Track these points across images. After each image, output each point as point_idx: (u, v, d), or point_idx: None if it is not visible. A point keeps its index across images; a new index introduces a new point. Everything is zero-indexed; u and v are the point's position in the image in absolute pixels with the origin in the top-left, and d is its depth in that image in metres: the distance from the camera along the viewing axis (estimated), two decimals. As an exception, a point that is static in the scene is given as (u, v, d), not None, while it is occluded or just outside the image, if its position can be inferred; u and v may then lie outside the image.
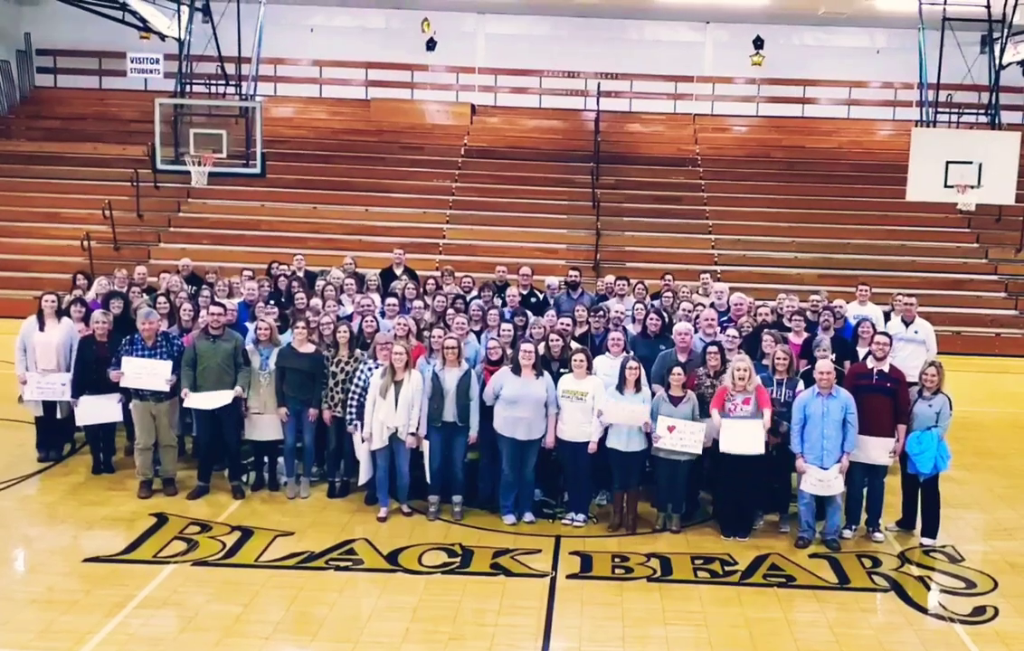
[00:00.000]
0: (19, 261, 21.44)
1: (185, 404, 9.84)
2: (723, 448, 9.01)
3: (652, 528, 9.43)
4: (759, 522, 9.54)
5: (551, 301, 12.57)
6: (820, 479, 8.94)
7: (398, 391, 9.24)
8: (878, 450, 9.19)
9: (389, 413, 9.25)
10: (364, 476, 9.58)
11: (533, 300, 12.60)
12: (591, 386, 9.27)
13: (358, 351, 10.02)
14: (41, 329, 10.59)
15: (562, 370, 9.57)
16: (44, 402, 10.71)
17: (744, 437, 8.96)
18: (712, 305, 11.55)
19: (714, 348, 9.59)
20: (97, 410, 10.21)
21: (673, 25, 27.15)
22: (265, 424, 9.97)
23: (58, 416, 10.74)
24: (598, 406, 9.17)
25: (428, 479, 9.45)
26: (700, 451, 9.12)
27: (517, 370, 9.25)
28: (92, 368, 10.09)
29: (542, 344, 9.83)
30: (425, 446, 9.37)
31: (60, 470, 10.76)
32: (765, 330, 10.22)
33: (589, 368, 9.40)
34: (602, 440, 9.29)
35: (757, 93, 27.88)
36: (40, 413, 10.81)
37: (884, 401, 9.19)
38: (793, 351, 9.66)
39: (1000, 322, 20.86)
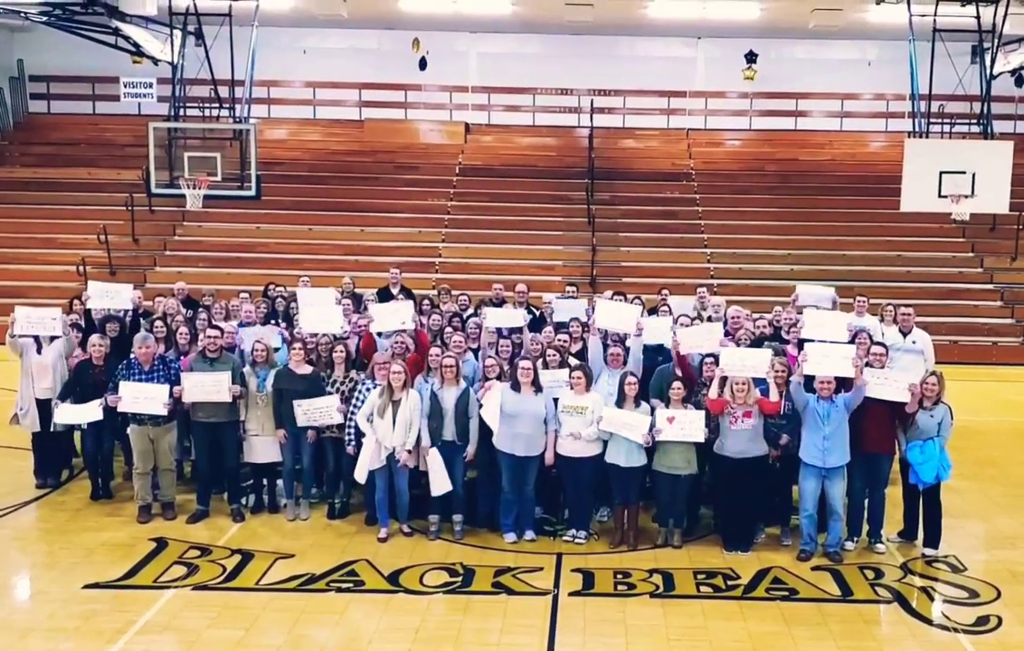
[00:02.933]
0: (15, 287, 21.37)
1: (185, 399, 9.70)
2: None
3: (654, 543, 9.40)
4: (760, 535, 9.52)
5: (548, 317, 12.53)
6: (827, 355, 8.99)
7: (396, 411, 9.23)
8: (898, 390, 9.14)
9: (387, 433, 9.22)
10: (362, 474, 9.45)
11: (530, 316, 12.57)
12: (590, 401, 9.26)
13: (354, 371, 10.01)
14: (39, 351, 10.66)
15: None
16: (40, 418, 10.66)
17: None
18: (709, 318, 11.56)
19: (711, 360, 9.57)
20: (76, 413, 10.09)
21: (665, 41, 27.21)
22: (263, 446, 9.94)
23: (52, 429, 10.69)
24: (599, 413, 9.17)
25: (432, 492, 9.36)
26: (703, 438, 9.07)
27: (516, 387, 9.24)
28: (90, 392, 10.05)
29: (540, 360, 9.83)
30: (432, 455, 9.29)
31: (58, 496, 10.72)
32: (764, 343, 10.21)
33: (588, 384, 9.40)
34: (602, 455, 9.28)
35: (750, 107, 27.95)
36: (36, 428, 10.77)
37: (883, 409, 9.16)
38: (791, 362, 9.65)
39: (997, 331, 20.89)
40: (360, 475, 9.49)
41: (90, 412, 10.06)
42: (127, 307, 11.58)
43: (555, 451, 9.34)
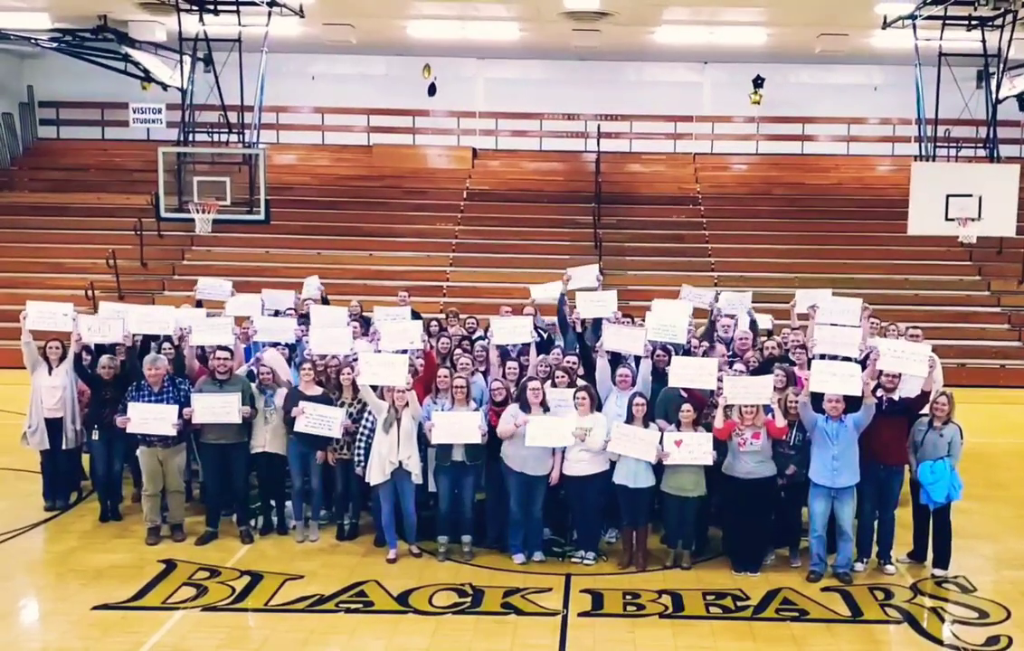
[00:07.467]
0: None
1: (195, 420, 9.70)
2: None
3: (663, 565, 9.40)
4: (770, 557, 9.50)
5: (555, 339, 12.52)
6: (834, 373, 8.93)
7: (399, 427, 9.24)
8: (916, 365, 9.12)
9: (392, 448, 9.23)
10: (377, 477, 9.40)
11: (538, 339, 12.56)
12: (594, 422, 9.28)
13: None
14: (49, 372, 10.70)
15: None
16: (50, 436, 10.67)
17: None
18: (719, 338, 11.52)
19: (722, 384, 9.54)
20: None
21: (671, 66, 27.32)
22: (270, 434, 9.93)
23: (63, 447, 10.72)
24: (607, 434, 9.18)
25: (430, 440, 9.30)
26: (711, 461, 9.06)
27: (526, 407, 9.27)
28: (103, 409, 10.15)
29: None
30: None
31: (67, 518, 10.74)
32: (776, 365, 10.16)
33: (593, 405, 9.40)
34: (609, 476, 9.29)
35: (756, 131, 28.03)
36: (45, 446, 10.77)
37: (899, 421, 9.20)
38: (800, 385, 9.62)
39: (1004, 354, 20.86)
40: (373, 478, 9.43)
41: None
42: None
43: (561, 472, 9.35)
